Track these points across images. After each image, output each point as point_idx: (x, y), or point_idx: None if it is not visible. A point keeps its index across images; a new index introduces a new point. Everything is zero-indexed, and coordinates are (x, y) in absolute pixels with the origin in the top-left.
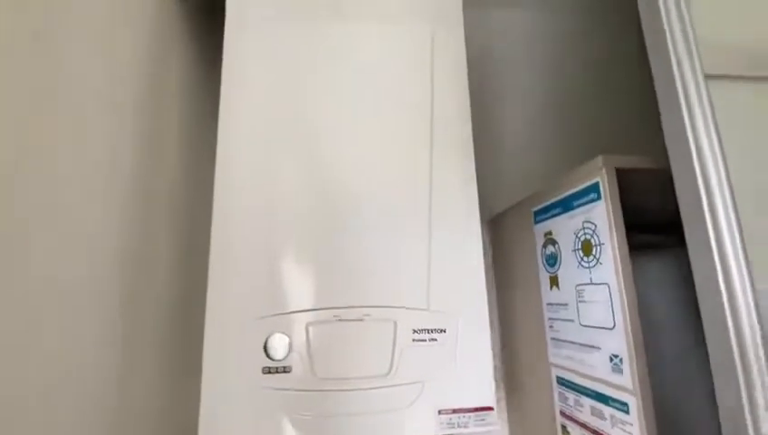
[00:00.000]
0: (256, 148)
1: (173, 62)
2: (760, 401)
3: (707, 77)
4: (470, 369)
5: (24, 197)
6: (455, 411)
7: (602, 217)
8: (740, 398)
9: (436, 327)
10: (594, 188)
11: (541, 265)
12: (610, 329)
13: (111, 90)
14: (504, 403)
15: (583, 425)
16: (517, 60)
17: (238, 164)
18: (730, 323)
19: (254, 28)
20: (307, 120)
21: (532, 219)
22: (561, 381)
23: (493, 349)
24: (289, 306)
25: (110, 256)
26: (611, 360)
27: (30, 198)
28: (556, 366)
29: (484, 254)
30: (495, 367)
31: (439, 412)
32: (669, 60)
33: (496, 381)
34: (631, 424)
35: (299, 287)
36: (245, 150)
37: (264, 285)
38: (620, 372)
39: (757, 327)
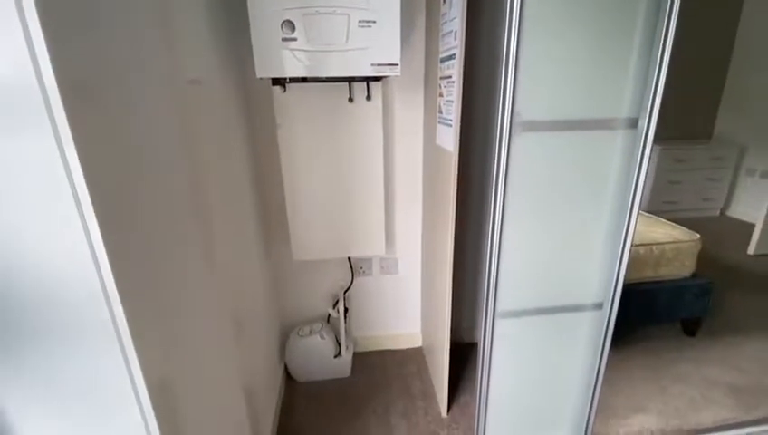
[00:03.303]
0: None
1: None
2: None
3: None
4: (387, 45)
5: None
6: (380, 65)
7: None
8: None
9: (372, 19)
10: None
11: None
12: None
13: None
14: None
15: (442, 77)
16: None
17: None
18: None
19: None
20: None
21: None
22: (442, 59)
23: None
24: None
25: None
26: (455, 34)
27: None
28: (441, 51)
29: None
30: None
31: (372, 64)
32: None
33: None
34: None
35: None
36: None
37: None
38: (455, 39)
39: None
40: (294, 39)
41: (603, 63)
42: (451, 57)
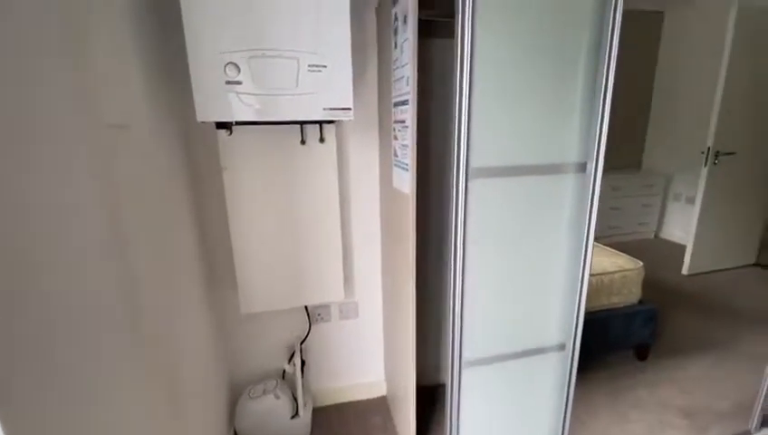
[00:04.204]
0: None
1: None
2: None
3: None
4: (339, 89)
5: None
6: (332, 109)
7: None
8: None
9: (322, 63)
10: None
11: (392, 34)
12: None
13: None
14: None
15: (396, 121)
16: None
17: None
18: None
19: None
20: None
21: (392, 3)
22: (395, 103)
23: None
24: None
25: None
26: (407, 80)
27: None
28: (394, 96)
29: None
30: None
31: (323, 109)
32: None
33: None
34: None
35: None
36: None
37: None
38: (407, 84)
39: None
40: (239, 82)
41: (552, 113)
42: (404, 102)
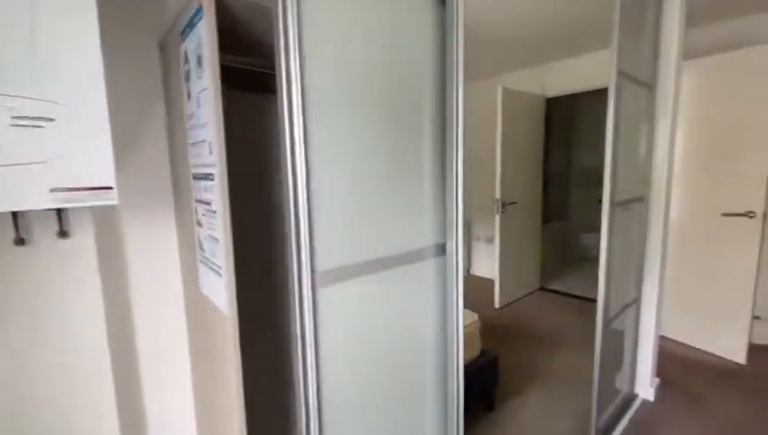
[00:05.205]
0: None
1: None
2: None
3: None
4: (90, 154)
5: None
6: (74, 190)
7: (205, 33)
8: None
9: (46, 115)
10: (199, 9)
11: (183, 80)
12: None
13: None
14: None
15: (198, 200)
16: None
17: None
18: None
19: None
20: None
21: (180, 38)
22: (195, 176)
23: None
24: None
25: None
26: (210, 146)
27: None
28: (193, 166)
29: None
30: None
31: (52, 190)
32: None
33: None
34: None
35: None
36: None
37: None
38: (211, 152)
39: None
40: None
41: (403, 200)
42: (207, 177)
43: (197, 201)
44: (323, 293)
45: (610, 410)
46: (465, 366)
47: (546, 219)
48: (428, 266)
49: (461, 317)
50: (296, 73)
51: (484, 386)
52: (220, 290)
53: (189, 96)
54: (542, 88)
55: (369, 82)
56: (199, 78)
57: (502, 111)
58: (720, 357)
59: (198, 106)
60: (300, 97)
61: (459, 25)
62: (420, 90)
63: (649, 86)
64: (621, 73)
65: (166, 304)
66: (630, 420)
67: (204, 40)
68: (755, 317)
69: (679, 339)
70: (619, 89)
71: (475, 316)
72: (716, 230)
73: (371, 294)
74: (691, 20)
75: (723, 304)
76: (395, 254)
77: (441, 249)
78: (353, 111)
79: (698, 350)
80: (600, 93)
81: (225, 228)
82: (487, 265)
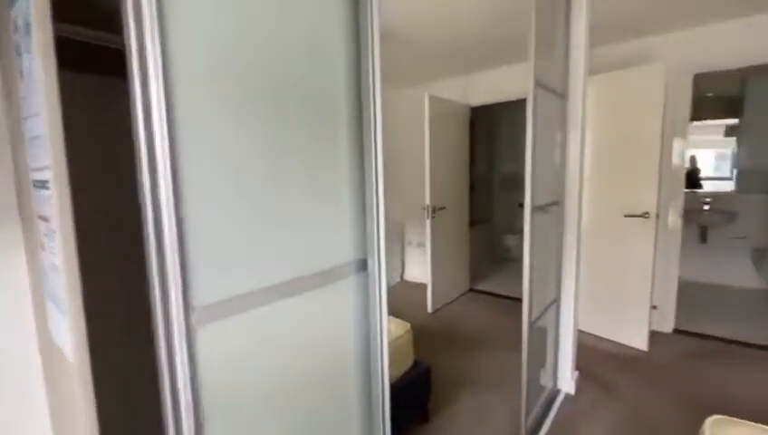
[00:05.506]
0: None
1: None
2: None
3: None
4: None
5: None
6: None
7: None
8: None
9: None
10: None
11: (14, 55)
12: None
13: None
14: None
15: (40, 216)
16: None
17: None
18: None
19: None
20: None
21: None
22: (34, 183)
23: None
24: None
25: None
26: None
27: None
28: (31, 169)
29: None
30: None
31: None
32: None
33: None
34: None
35: None
36: None
37: None
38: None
39: None
40: None
41: (317, 213)
42: (43, 184)
43: (40, 217)
44: (204, 333)
45: (537, 408)
46: (399, 379)
47: (473, 222)
48: (349, 284)
49: (386, 336)
50: (153, 49)
51: (419, 397)
52: (66, 338)
53: (22, 75)
54: (467, 96)
55: (267, 71)
56: (28, 52)
57: (429, 118)
58: (626, 346)
59: (30, 90)
60: (161, 81)
61: (375, 22)
62: (334, 90)
63: (564, 97)
64: (539, 84)
65: (10, 362)
66: (555, 416)
67: (31, 6)
68: (653, 307)
69: (591, 331)
70: (536, 98)
71: (408, 326)
72: (621, 230)
73: (278, 322)
74: (600, 38)
75: (626, 296)
76: (308, 274)
77: (363, 265)
78: (244, 103)
79: (608, 340)
80: (520, 103)
81: (65, 252)
82: (420, 269)
